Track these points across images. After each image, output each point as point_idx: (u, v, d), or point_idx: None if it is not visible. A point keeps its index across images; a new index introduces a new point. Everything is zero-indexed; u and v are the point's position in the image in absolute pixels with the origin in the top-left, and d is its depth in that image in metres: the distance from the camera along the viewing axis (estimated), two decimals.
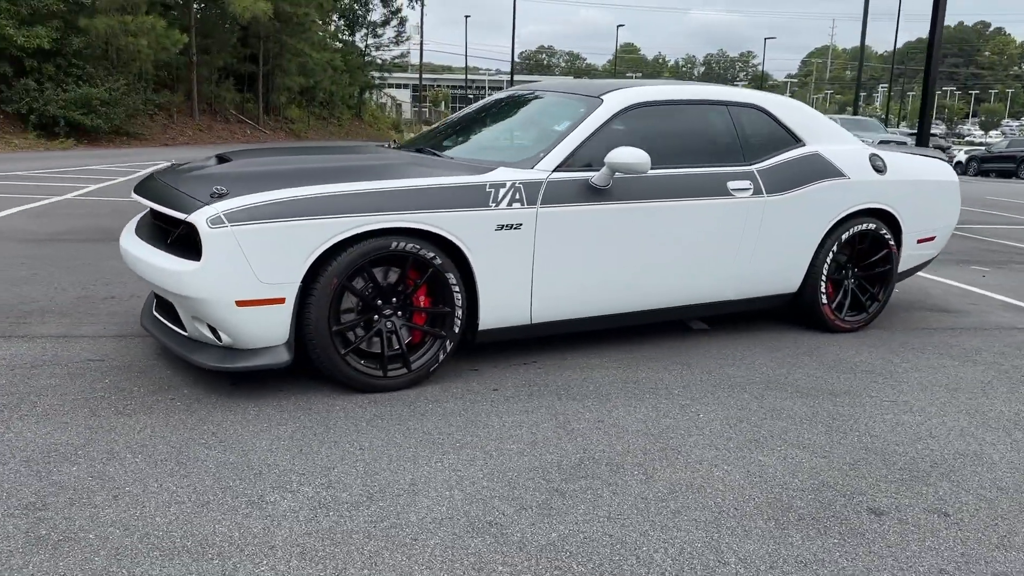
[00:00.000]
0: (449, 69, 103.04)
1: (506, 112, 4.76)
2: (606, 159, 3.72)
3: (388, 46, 44.11)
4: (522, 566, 2.16)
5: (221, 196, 3.17)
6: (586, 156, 3.85)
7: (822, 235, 4.50)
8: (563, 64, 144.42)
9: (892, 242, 4.73)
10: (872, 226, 4.63)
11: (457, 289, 3.51)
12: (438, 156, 4.11)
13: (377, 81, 44.94)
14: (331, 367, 3.33)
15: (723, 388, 3.67)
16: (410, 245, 3.35)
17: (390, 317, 3.46)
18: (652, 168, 3.96)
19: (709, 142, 4.27)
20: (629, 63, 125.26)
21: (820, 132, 4.64)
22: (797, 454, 2.96)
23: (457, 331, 3.56)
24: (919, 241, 4.94)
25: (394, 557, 2.18)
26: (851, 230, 4.58)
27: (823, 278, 4.57)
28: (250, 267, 3.10)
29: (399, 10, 43.15)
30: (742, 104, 4.42)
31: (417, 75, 50.38)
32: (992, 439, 3.21)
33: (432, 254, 3.41)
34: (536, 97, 4.66)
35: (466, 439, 2.98)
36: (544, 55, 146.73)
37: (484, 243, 3.52)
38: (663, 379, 3.76)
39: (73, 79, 19.01)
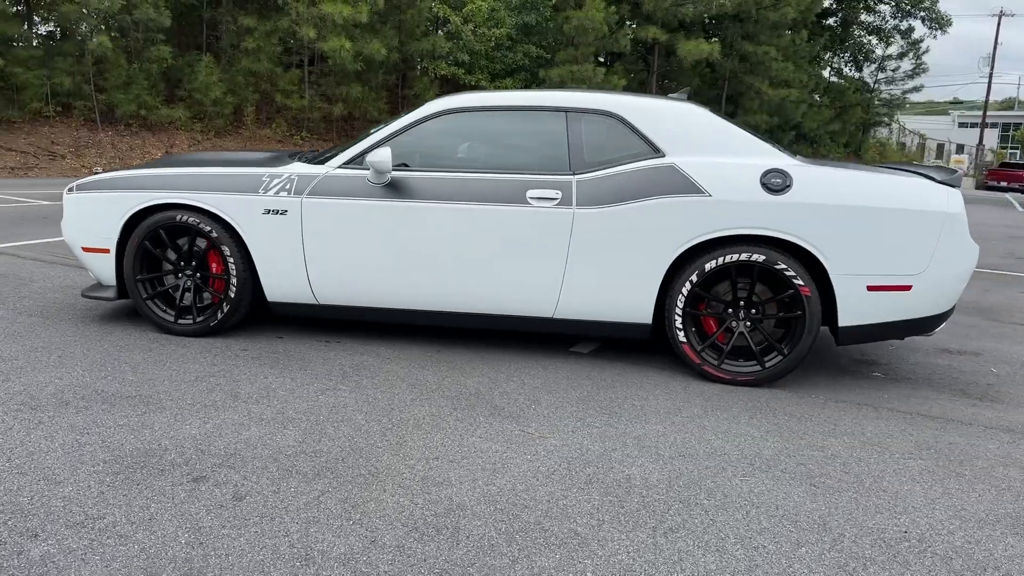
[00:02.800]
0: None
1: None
2: (366, 159, 4.00)
3: (902, 80, 40.72)
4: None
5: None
6: (420, 158, 4.09)
7: (670, 260, 3.84)
8: None
9: (801, 283, 3.72)
10: (760, 258, 3.74)
11: (232, 260, 4.21)
12: (287, 157, 4.65)
13: (884, 118, 41.76)
14: (138, 307, 4.37)
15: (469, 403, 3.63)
16: (191, 219, 4.20)
17: (188, 277, 4.34)
18: (451, 172, 4.04)
19: (527, 149, 4.06)
20: None
21: (692, 142, 3.92)
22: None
23: (233, 296, 4.25)
24: (872, 289, 3.73)
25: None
26: (720, 259, 3.78)
27: (677, 312, 3.88)
28: (87, 223, 4.34)
29: (918, 42, 39.53)
30: (590, 111, 4.05)
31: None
32: None
33: (209, 228, 4.19)
34: None
35: (204, 376, 3.74)
36: None
37: (253, 224, 4.15)
38: (423, 378, 3.85)
39: None
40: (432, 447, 2.93)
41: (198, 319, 4.29)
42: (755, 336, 3.93)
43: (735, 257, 3.78)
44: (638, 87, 27.08)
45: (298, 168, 4.18)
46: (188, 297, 4.33)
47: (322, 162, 4.21)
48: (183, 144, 18.21)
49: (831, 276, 3.75)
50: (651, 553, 2.27)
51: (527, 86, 22.81)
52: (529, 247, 3.95)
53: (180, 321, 4.32)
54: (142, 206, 4.22)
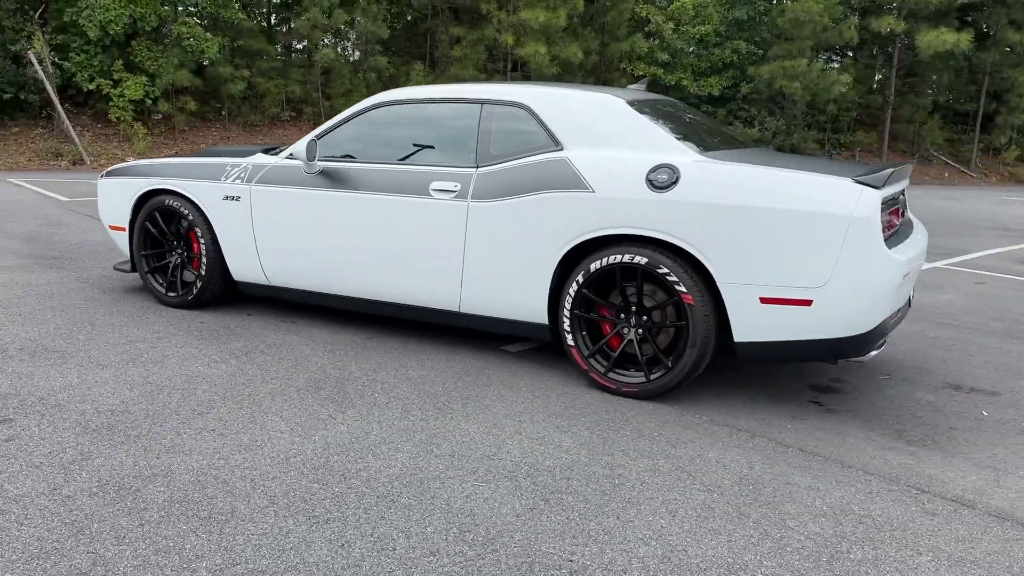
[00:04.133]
0: None
1: None
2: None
3: None
4: None
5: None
6: (335, 147, 4.31)
7: (558, 258, 3.66)
8: None
9: (684, 289, 3.38)
10: (642, 260, 3.45)
11: (203, 241, 4.68)
12: (266, 151, 4.95)
13: None
14: (142, 281, 5.00)
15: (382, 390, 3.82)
16: (175, 203, 4.74)
17: (177, 255, 4.88)
18: (371, 163, 4.18)
19: (442, 141, 4.06)
20: None
21: (593, 136, 3.68)
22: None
23: (203, 274, 4.71)
24: (766, 301, 3.29)
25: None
26: (605, 260, 3.54)
27: (565, 313, 3.69)
28: (110, 204, 5.06)
29: None
30: (503, 102, 3.95)
31: None
32: None
33: (187, 212, 4.70)
34: None
35: (165, 336, 4.32)
36: None
37: (217, 208, 4.59)
38: (311, 361, 4.08)
39: (741, 121, 21.58)
40: (230, 419, 3.10)
41: (180, 293, 4.81)
42: (649, 346, 3.60)
43: (619, 258, 3.50)
44: (875, 84, 24.65)
45: (255, 159, 4.54)
46: (179, 273, 4.87)
47: (276, 153, 4.53)
48: None
49: (718, 284, 3.34)
50: (281, 537, 2.27)
51: (734, 84, 21.73)
52: (430, 239, 3.96)
53: (168, 294, 4.86)
54: (142, 191, 4.83)
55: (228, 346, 4.08)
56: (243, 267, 4.59)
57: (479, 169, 3.85)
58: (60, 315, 4.48)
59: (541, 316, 3.78)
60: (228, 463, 2.72)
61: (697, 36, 20.84)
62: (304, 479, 2.63)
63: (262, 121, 19.40)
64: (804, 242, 3.19)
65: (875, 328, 3.25)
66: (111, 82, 17.19)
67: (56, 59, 16.99)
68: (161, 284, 4.90)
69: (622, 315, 3.62)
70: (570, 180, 3.60)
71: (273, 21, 21.34)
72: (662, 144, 3.57)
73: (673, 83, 20.94)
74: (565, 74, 20.10)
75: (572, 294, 3.63)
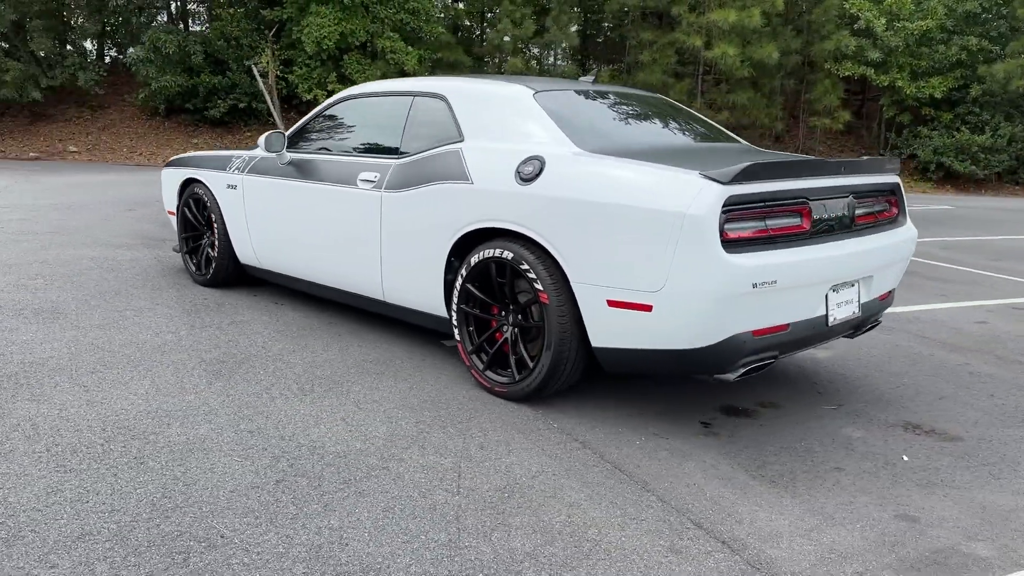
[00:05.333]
0: None
1: None
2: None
3: None
4: None
5: None
6: (315, 140, 4.60)
7: (447, 251, 3.63)
8: None
9: (540, 288, 3.24)
10: (507, 255, 3.34)
11: (216, 226, 5.17)
12: None
13: None
14: (182, 259, 5.62)
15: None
16: (200, 190, 5.28)
17: (205, 238, 5.42)
18: (320, 154, 4.42)
19: (380, 133, 4.17)
20: None
21: (492, 127, 3.60)
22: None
23: (216, 255, 5.19)
24: (613, 304, 3.05)
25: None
26: (481, 254, 3.47)
27: (453, 308, 3.65)
28: (166, 191, 5.74)
29: None
30: (427, 94, 3.97)
31: None
32: None
33: (207, 198, 5.22)
34: None
35: (174, 310, 4.95)
36: None
37: (223, 195, 5.05)
38: (263, 346, 4.40)
39: (969, 127, 19.04)
40: (110, 380, 3.43)
41: (203, 272, 5.34)
42: (521, 345, 3.45)
43: (491, 253, 3.39)
44: None
45: (254, 151, 4.93)
46: (208, 253, 5.41)
47: None
48: None
49: (571, 284, 3.13)
50: (32, 483, 2.53)
51: (964, 85, 19.20)
52: (355, 228, 4.08)
53: (196, 273, 5.42)
54: (183, 179, 5.43)
55: (198, 319, 4.48)
56: (242, 250, 5.00)
57: (398, 160, 3.91)
58: (97, 285, 5.16)
59: (442, 309, 3.75)
60: (62, 413, 3.04)
61: (917, 32, 18.75)
62: (100, 434, 2.87)
63: None
64: (642, 241, 2.89)
65: (721, 343, 2.85)
66: (326, 92, 19.01)
67: (280, 72, 19.19)
68: (193, 264, 5.46)
69: (501, 312, 3.50)
70: (457, 172, 3.55)
71: (470, 34, 22.40)
72: (545, 137, 3.40)
73: (887, 84, 19.02)
74: (762, 76, 19.05)
75: (458, 288, 3.57)
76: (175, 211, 5.58)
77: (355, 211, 4.04)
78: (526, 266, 3.23)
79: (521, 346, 3.38)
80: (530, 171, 3.26)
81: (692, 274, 2.78)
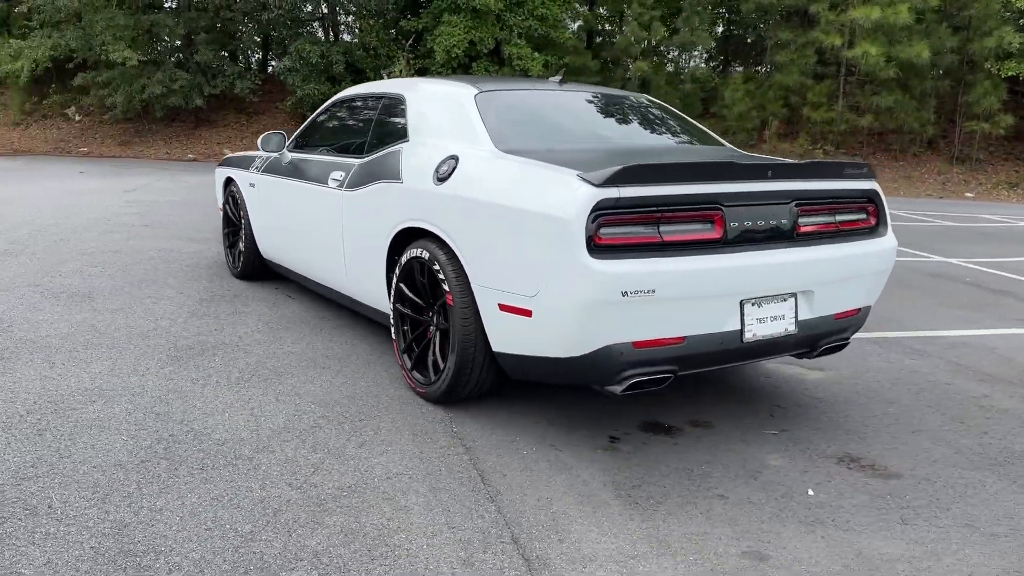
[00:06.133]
0: None
1: None
2: None
3: None
4: None
5: None
6: (313, 140, 4.81)
7: (386, 250, 3.67)
8: None
9: (448, 289, 3.22)
10: (425, 255, 3.34)
11: (244, 221, 5.48)
12: None
13: None
14: (224, 252, 6.00)
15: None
16: (234, 188, 5.63)
17: (239, 233, 5.76)
18: (309, 153, 4.59)
19: (354, 134, 4.28)
20: None
21: (432, 127, 3.61)
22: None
23: (243, 249, 5.50)
24: (503, 309, 2.98)
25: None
26: (408, 254, 3.49)
27: (390, 307, 3.70)
28: (217, 189, 6.16)
29: None
30: (392, 95, 4.04)
31: None
32: None
33: (238, 196, 5.55)
34: None
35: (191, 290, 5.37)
36: None
37: (247, 193, 5.36)
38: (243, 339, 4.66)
39: None
40: (79, 360, 3.74)
41: (236, 265, 5.68)
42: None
43: (414, 252, 3.40)
44: None
45: (271, 153, 5.19)
46: (240, 247, 5.75)
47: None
48: None
49: (472, 285, 3.08)
50: None
51: None
52: (323, 226, 4.21)
53: (232, 266, 5.78)
54: (224, 179, 5.81)
55: (204, 308, 4.77)
56: (263, 244, 5.27)
57: (360, 160, 3.99)
58: (144, 274, 5.62)
59: (388, 307, 3.79)
60: (15, 385, 3.35)
61: None
62: (28, 407, 3.13)
63: None
64: (522, 244, 2.79)
65: (595, 353, 2.70)
66: None
67: None
68: (230, 257, 5.82)
69: (430, 313, 3.48)
70: (394, 171, 3.58)
71: (607, 37, 22.25)
72: (469, 137, 3.35)
73: None
74: (912, 77, 17.61)
75: (392, 287, 3.60)
76: (221, 208, 5.97)
77: (324, 209, 4.16)
78: (438, 267, 3.21)
79: (437, 348, 3.35)
80: (444, 171, 3.23)
81: (560, 279, 2.65)
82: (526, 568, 2.19)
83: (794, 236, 3.04)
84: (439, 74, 19.63)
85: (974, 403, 3.71)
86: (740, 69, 22.55)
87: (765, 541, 2.39)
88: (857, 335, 4.78)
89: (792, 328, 3.04)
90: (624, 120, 3.88)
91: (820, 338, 3.21)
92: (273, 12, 20.17)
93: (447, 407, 3.34)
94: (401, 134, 3.76)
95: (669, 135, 3.89)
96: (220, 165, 6.00)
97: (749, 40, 23.16)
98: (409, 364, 3.52)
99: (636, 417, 3.33)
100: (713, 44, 19.65)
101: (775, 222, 2.98)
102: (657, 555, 2.28)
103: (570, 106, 3.84)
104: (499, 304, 2.93)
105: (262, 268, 5.49)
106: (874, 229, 3.37)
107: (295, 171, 4.59)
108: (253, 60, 25.04)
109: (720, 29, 23.72)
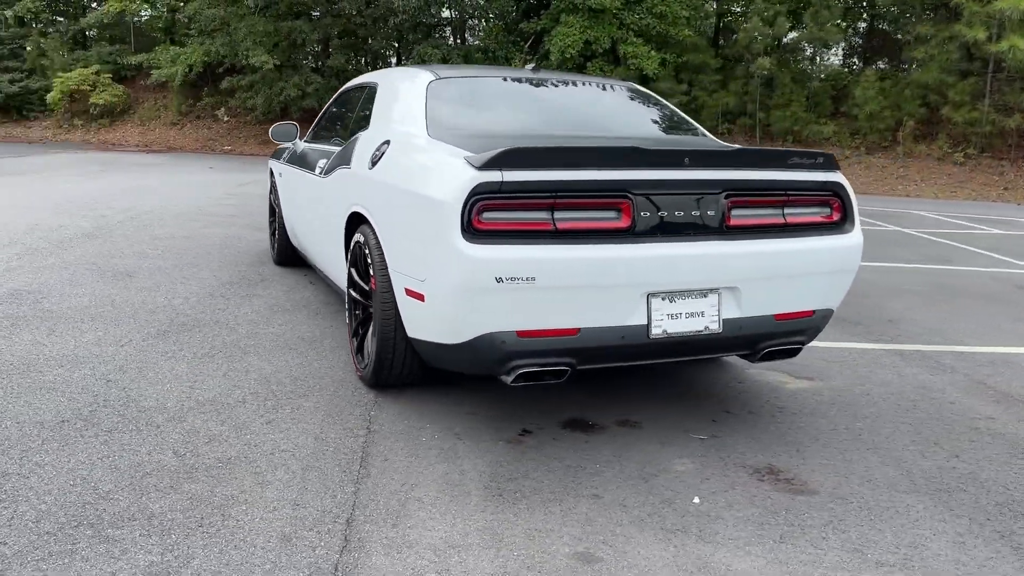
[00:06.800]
0: None
1: None
2: None
3: None
4: None
5: None
6: (319, 129, 5.00)
7: (343, 235, 3.76)
8: None
9: (373, 273, 3.26)
10: (362, 239, 3.40)
11: (277, 208, 5.74)
12: None
13: None
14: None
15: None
16: (273, 177, 5.90)
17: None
18: (315, 143, 4.76)
19: (342, 123, 4.41)
20: None
21: (387, 115, 3.65)
22: None
23: (276, 236, 5.76)
24: (408, 294, 2.98)
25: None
26: (353, 239, 3.56)
27: (347, 291, 3.78)
28: (269, 181, 6.49)
29: None
30: (369, 85, 4.12)
31: None
32: None
33: (274, 184, 5.82)
34: None
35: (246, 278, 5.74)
36: None
37: (278, 181, 5.60)
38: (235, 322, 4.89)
39: None
40: (76, 331, 4.06)
41: (274, 251, 5.96)
42: None
43: (357, 237, 3.45)
44: None
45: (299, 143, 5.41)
46: (277, 234, 6.02)
47: None
48: None
49: (389, 269, 3.09)
50: None
51: None
52: (309, 211, 4.35)
53: (272, 252, 6.06)
54: (270, 168, 6.11)
55: (226, 290, 5.04)
56: (288, 231, 5.51)
57: (340, 147, 4.08)
58: (193, 258, 6.00)
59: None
60: (10, 348, 3.68)
61: None
62: (3, 367, 3.44)
63: None
64: (416, 227, 2.77)
65: (474, 341, 2.63)
66: None
67: None
68: (271, 244, 6.12)
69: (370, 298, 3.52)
70: (348, 157, 3.65)
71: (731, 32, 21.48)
72: (407, 123, 3.36)
73: None
74: None
75: (346, 271, 3.67)
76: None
77: (310, 197, 4.31)
78: (368, 251, 3.24)
79: (369, 333, 3.38)
80: (376, 156, 3.26)
81: (440, 264, 2.62)
82: (340, 548, 2.17)
83: (724, 229, 2.83)
84: None
85: (968, 425, 3.31)
86: (883, 66, 21.11)
87: (608, 544, 2.25)
88: (885, 346, 4.40)
89: (715, 326, 2.84)
90: (588, 108, 3.76)
91: (759, 340, 2.98)
92: (399, 17, 20.91)
93: (381, 391, 3.36)
94: (367, 121, 3.82)
95: (636, 123, 3.72)
96: (271, 158, 6.31)
97: (898, 35, 21.69)
98: (354, 348, 3.57)
99: (564, 413, 3.22)
100: (844, 40, 18.52)
101: (698, 213, 2.79)
102: (482, 547, 2.20)
103: (531, 94, 3.76)
104: (405, 289, 2.92)
105: (292, 255, 5.72)
106: (837, 225, 3.09)
107: (301, 160, 4.76)
108: (386, 64, 26.06)
109: (863, 25, 22.33)
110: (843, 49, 21.71)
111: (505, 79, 3.86)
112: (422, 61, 20.16)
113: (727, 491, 2.61)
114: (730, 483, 2.66)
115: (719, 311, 2.84)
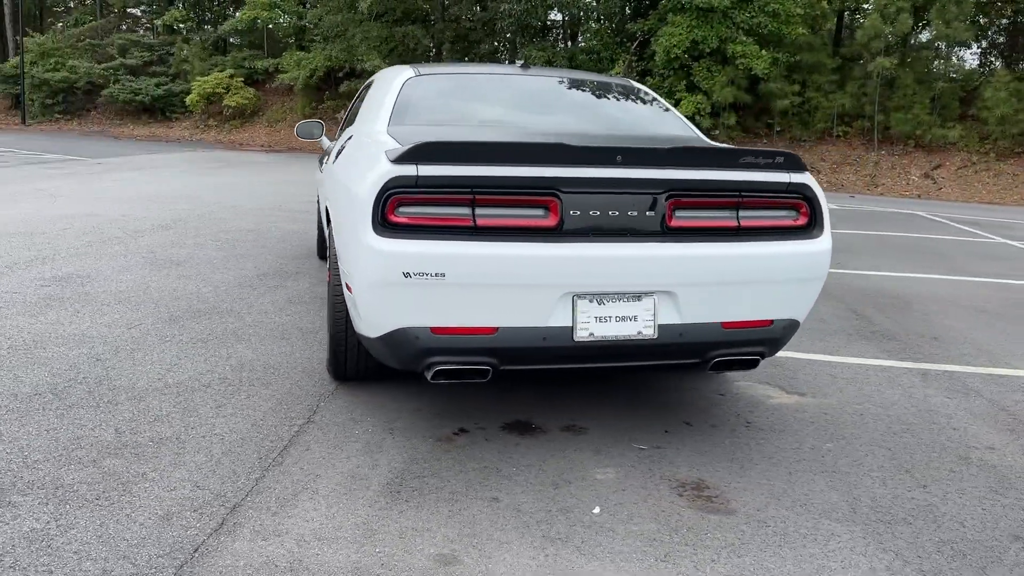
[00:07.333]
0: None
1: None
2: None
3: None
4: None
5: None
6: (343, 126, 5.14)
7: (326, 228, 3.85)
8: None
9: (329, 266, 3.35)
10: (328, 233, 3.49)
11: (321, 207, 5.94)
12: None
13: None
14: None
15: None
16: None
17: None
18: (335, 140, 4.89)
19: (351, 118, 4.48)
20: None
21: (369, 110, 3.69)
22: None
23: (320, 233, 5.95)
24: (346, 287, 3.03)
25: None
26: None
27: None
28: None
29: None
30: (369, 82, 4.20)
31: None
32: None
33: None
34: None
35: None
36: None
37: (321, 176, 5.79)
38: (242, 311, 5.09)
39: None
40: (90, 315, 4.37)
41: (319, 247, 6.17)
42: None
43: (328, 230, 3.53)
44: None
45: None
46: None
47: None
48: (952, 165, 16.97)
49: (338, 263, 3.14)
50: None
51: None
52: (323, 203, 4.46)
53: (319, 247, 6.28)
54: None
55: (257, 281, 5.25)
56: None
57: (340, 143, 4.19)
58: (243, 250, 6.30)
59: None
60: (32, 325, 4.00)
61: None
62: (13, 341, 3.74)
63: (808, 136, 18.95)
64: (347, 220, 2.80)
65: (389, 335, 2.62)
66: (673, 102, 19.14)
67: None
68: (318, 239, 6.34)
69: None
70: (332, 153, 3.73)
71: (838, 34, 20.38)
72: (377, 117, 3.39)
73: None
74: None
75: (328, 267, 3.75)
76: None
77: (318, 189, 4.42)
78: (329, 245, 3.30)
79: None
80: (338, 150, 3.32)
81: (355, 257, 2.63)
82: (211, 531, 2.22)
83: (664, 230, 2.70)
84: (660, 76, 19.27)
85: (958, 454, 3.00)
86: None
87: (477, 548, 2.19)
88: (910, 364, 4.07)
89: (649, 332, 2.71)
90: (573, 106, 3.67)
91: (705, 349, 2.81)
92: (505, 20, 21.12)
93: (343, 384, 3.41)
94: (356, 118, 3.90)
95: (613, 121, 3.60)
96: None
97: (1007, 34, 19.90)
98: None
99: (512, 414, 3.16)
100: (979, 38, 17.15)
101: (635, 213, 2.67)
102: (349, 542, 2.20)
103: (509, 91, 3.71)
104: (345, 282, 2.96)
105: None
106: (804, 230, 2.88)
107: (323, 155, 4.91)
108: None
109: (1005, 21, 20.63)
110: (980, 48, 20.13)
111: (488, 76, 3.83)
112: (525, 63, 20.26)
113: (636, 504, 2.48)
114: (644, 496, 2.53)
115: (654, 316, 2.70)
